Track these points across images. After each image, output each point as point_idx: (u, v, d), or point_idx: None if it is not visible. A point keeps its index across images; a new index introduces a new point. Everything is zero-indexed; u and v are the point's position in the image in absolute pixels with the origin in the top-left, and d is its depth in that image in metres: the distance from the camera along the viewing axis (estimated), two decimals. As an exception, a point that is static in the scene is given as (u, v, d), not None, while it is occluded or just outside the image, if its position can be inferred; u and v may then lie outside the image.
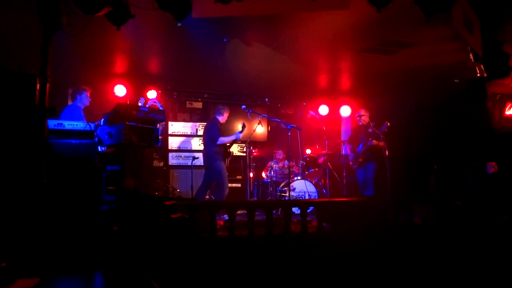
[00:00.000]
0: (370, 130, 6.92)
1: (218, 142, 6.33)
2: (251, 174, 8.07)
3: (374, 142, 6.85)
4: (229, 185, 8.39)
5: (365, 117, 7.06)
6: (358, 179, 7.26)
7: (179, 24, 4.10)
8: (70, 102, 6.06)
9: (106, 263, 3.63)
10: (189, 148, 8.69)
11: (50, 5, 3.84)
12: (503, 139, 6.25)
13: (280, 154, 8.28)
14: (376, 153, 6.96)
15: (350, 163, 7.31)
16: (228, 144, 6.52)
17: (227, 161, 6.55)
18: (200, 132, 8.88)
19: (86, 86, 5.86)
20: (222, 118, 6.62)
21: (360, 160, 7.05)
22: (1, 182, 3.67)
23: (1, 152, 3.72)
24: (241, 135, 6.56)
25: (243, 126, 6.60)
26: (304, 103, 9.57)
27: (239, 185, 8.74)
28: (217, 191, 6.40)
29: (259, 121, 7.42)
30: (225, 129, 6.85)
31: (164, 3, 4.04)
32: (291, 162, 7.34)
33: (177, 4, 4.04)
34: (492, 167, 5.65)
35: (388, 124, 6.66)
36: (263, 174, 8.20)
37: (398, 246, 4.30)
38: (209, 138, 6.42)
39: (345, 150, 7.49)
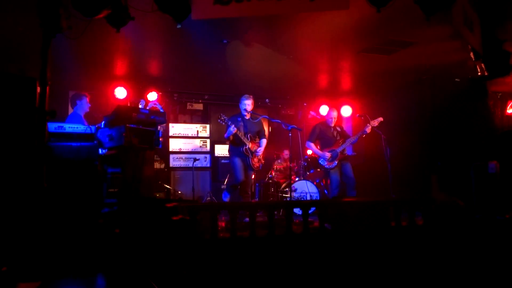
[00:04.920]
0: (339, 128, 6.65)
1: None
2: (252, 176, 8.03)
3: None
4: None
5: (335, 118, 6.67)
6: (332, 179, 6.48)
7: (179, 26, 4.10)
8: (70, 107, 6.05)
9: (107, 265, 3.62)
10: (190, 150, 8.68)
11: (49, 8, 3.84)
12: (505, 138, 6.23)
13: (286, 153, 8.25)
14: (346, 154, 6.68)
15: (323, 163, 6.53)
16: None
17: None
18: (201, 134, 8.87)
19: (86, 89, 5.87)
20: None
21: (339, 158, 6.49)
22: (2, 186, 3.66)
23: (1, 155, 3.72)
24: (232, 128, 6.14)
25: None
26: (305, 104, 9.56)
27: (240, 186, 8.68)
28: None
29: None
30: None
31: (164, 5, 4.04)
32: (292, 163, 7.32)
33: (176, 6, 4.04)
34: (494, 166, 5.62)
35: (381, 119, 6.42)
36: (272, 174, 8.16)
37: (400, 247, 4.28)
38: None
39: (313, 150, 6.84)
